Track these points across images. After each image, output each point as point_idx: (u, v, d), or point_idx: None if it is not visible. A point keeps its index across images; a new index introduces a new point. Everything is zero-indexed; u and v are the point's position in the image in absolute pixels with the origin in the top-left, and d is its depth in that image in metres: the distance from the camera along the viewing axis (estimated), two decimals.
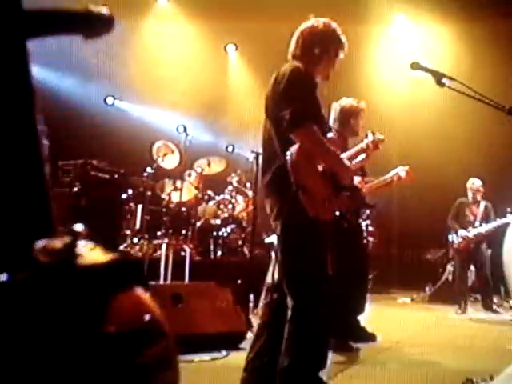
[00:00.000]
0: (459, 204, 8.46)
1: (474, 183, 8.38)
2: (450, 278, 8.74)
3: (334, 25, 3.43)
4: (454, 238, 8.25)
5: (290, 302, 3.01)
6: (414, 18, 11.73)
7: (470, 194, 8.41)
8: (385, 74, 11.78)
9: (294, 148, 2.97)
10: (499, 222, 7.89)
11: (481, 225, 8.11)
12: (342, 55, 3.44)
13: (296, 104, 3.01)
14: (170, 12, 11.65)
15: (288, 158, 2.95)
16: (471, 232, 8.10)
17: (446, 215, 8.48)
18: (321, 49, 3.35)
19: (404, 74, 11.23)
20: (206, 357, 4.10)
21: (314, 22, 3.41)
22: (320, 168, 3.07)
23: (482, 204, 8.27)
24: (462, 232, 8.17)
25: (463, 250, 8.17)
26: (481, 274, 8.26)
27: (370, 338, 5.17)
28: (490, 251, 10.66)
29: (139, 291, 0.79)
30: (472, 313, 7.64)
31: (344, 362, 4.36)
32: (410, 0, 11.06)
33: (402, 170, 5.43)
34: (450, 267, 9.00)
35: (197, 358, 4.05)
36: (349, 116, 5.32)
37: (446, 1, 10.51)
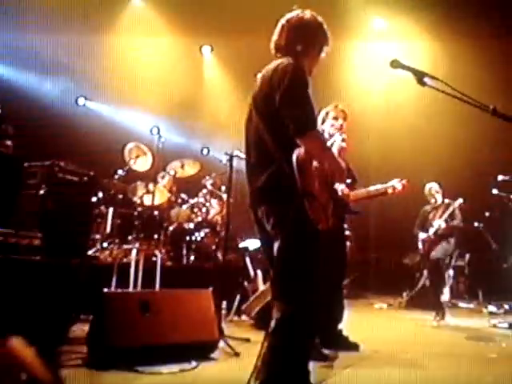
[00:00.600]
0: (423, 212, 8.35)
1: (431, 188, 8.28)
2: (428, 283, 8.61)
3: (320, 18, 3.27)
4: (419, 245, 8.12)
5: (276, 312, 2.86)
6: (391, 20, 11.71)
7: (430, 200, 8.30)
8: (362, 76, 11.74)
9: (299, 152, 2.83)
10: (451, 208, 7.81)
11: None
12: (324, 53, 3.28)
13: (302, 108, 2.87)
14: (145, 11, 11.45)
15: (294, 161, 2.80)
16: (430, 231, 7.92)
17: None
18: (307, 41, 3.20)
19: (380, 75, 11.26)
20: (175, 368, 3.90)
21: (300, 12, 3.24)
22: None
23: (451, 207, 8.03)
24: (421, 235, 8.05)
25: (426, 252, 7.96)
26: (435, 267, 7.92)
27: (353, 347, 5.06)
28: (468, 256, 10.67)
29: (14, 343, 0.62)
30: (449, 319, 7.52)
31: (323, 371, 4.19)
32: (387, 2, 11.03)
33: (398, 183, 5.39)
34: (426, 272, 8.88)
35: (165, 369, 3.86)
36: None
37: (422, 2, 10.50)
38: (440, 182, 8.36)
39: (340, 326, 5.17)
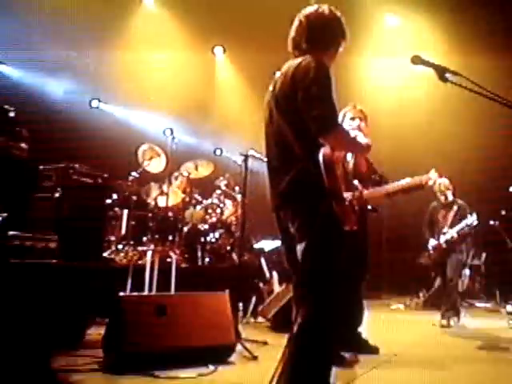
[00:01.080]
0: (432, 209, 7.89)
1: (441, 183, 7.62)
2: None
3: (338, 13, 3.18)
4: (430, 247, 7.64)
5: (299, 317, 2.76)
6: (403, 17, 11.61)
7: (440, 197, 7.76)
8: (374, 74, 11.65)
9: (325, 151, 2.76)
10: (464, 223, 7.30)
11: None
12: (342, 47, 3.20)
13: (325, 105, 2.79)
14: (157, 13, 11.44)
15: (321, 160, 2.73)
16: (441, 239, 7.47)
17: None
18: (327, 38, 3.11)
19: (393, 72, 11.17)
20: (192, 373, 3.84)
21: (319, 7, 3.14)
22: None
23: (455, 207, 7.63)
24: (432, 242, 7.59)
25: (437, 260, 7.57)
26: (446, 281, 7.44)
27: (373, 350, 5.02)
28: (484, 255, 10.53)
29: None
30: (467, 319, 7.40)
31: (343, 375, 4.11)
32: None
33: (433, 173, 5.16)
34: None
35: (182, 373, 3.81)
36: None
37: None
38: (451, 178, 7.81)
39: (359, 329, 5.11)
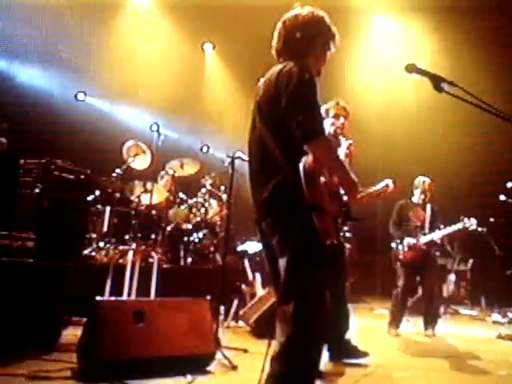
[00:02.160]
0: (400, 206, 7.27)
1: (426, 182, 7.23)
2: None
3: (321, 13, 3.04)
4: (399, 247, 7.02)
5: (280, 336, 2.65)
6: (394, 20, 11.53)
7: (418, 195, 7.25)
8: (363, 76, 11.57)
9: (306, 160, 2.63)
10: (456, 227, 6.79)
11: (432, 230, 6.97)
12: (333, 48, 3.07)
13: (310, 112, 2.67)
14: (146, 8, 11.31)
15: (301, 171, 2.60)
16: (422, 239, 6.92)
17: None
18: (308, 40, 2.97)
19: (382, 75, 11.11)
20: (170, 382, 3.72)
21: (298, 10, 3.02)
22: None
23: (428, 206, 7.19)
24: (408, 240, 6.96)
25: (410, 260, 6.94)
26: (427, 286, 7.01)
27: (362, 355, 4.99)
28: (471, 261, 10.46)
29: None
30: (452, 328, 7.32)
31: None
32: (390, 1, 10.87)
33: (390, 182, 5.07)
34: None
35: (158, 383, 3.67)
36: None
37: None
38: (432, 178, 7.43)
39: (348, 335, 5.06)
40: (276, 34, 3.04)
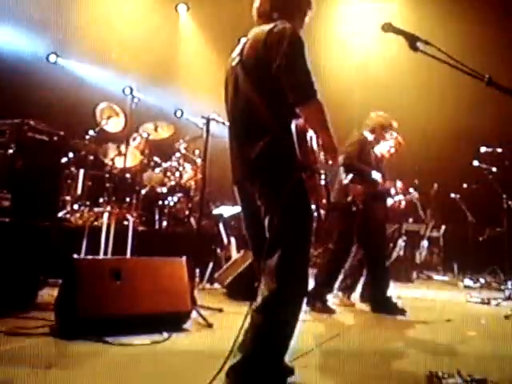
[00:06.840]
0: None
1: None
2: (402, 253, 8.56)
3: None
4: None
5: (264, 289, 2.70)
6: None
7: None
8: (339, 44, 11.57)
9: (298, 122, 2.66)
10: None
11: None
12: (308, 17, 3.08)
13: (304, 74, 2.69)
14: None
15: (294, 131, 2.63)
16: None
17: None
18: (293, 5, 3.00)
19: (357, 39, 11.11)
20: (146, 339, 3.76)
21: None
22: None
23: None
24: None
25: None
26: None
27: (401, 312, 5.67)
28: (443, 227, 10.62)
29: None
30: (425, 292, 7.46)
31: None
32: None
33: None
34: (401, 242, 8.80)
35: (136, 340, 3.72)
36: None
37: None
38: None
39: (388, 294, 5.86)
40: None
